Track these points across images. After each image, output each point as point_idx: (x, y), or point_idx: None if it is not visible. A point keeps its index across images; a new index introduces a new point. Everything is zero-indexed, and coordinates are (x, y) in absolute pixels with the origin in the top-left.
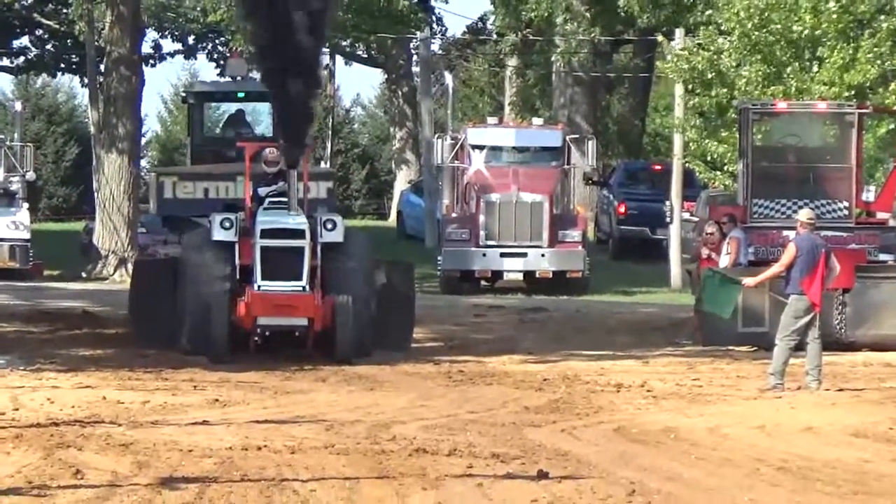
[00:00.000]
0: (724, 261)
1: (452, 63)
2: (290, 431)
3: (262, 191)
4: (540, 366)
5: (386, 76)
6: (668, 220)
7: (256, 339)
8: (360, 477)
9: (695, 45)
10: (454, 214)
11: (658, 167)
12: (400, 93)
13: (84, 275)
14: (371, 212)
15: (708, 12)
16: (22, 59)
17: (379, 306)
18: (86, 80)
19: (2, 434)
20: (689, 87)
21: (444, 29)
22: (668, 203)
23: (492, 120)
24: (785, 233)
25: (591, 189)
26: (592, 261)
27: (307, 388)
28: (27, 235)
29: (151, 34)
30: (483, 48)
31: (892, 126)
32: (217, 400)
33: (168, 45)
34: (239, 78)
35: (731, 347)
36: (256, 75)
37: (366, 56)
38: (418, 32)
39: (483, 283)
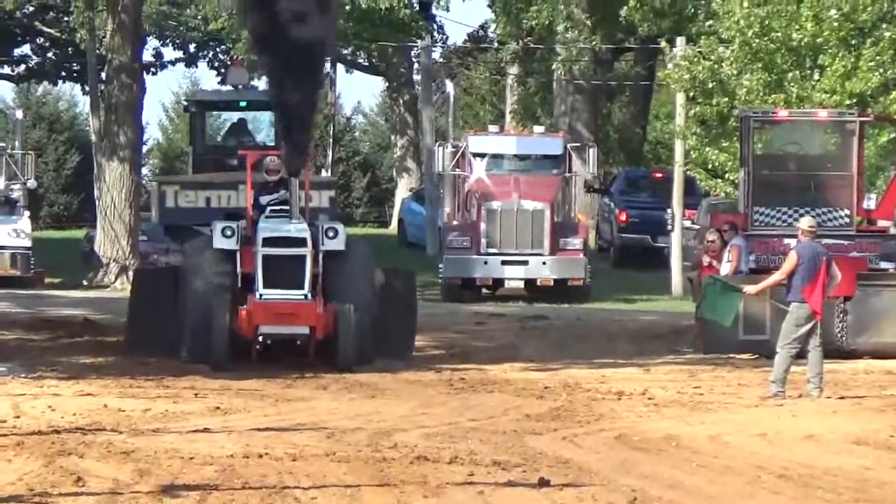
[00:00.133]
0: (726, 269)
1: (454, 71)
2: (291, 439)
3: (264, 199)
4: (541, 373)
5: (387, 84)
6: (669, 227)
7: (258, 347)
8: (362, 484)
9: (696, 55)
10: (455, 222)
11: (659, 175)
12: (401, 101)
13: (85, 283)
14: (372, 220)
15: (709, 22)
16: (23, 67)
17: (380, 314)
18: (87, 88)
19: (3, 441)
20: (691, 95)
21: (445, 37)
22: (669, 211)
23: (493, 128)
24: (786, 241)
25: (593, 197)
26: (593, 268)
27: (308, 396)
28: (28, 243)
29: (153, 42)
30: (484, 56)
31: (893, 134)
32: (218, 408)
33: (169, 53)
34: (240, 86)
35: (732, 355)
36: (258, 84)
37: (367, 64)
38: (419, 41)
39: (484, 290)
